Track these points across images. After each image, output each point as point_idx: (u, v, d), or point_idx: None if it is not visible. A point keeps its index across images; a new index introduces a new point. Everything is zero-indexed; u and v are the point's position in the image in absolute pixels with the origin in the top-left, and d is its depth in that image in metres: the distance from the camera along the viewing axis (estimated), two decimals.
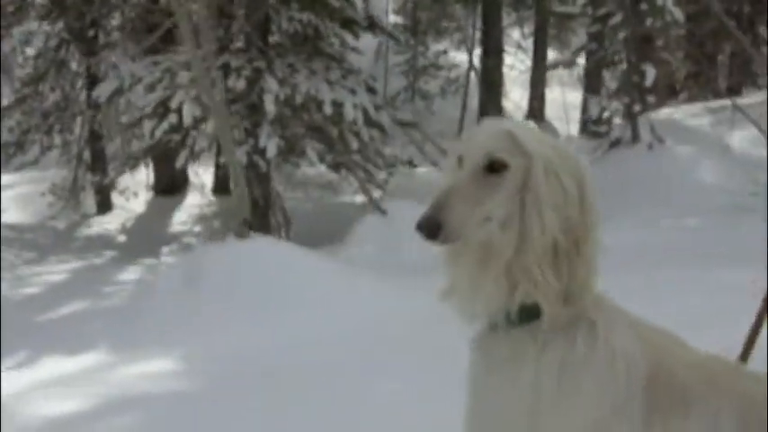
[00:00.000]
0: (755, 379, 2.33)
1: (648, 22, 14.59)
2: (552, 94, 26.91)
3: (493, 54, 21.71)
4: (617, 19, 14.69)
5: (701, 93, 23.28)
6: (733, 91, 23.84)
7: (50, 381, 5.48)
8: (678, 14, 14.70)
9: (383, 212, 11.03)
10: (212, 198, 20.24)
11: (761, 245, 9.92)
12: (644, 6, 14.42)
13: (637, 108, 14.86)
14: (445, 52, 25.55)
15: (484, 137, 2.25)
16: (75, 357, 6.14)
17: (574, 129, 24.80)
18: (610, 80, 23.02)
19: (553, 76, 27.11)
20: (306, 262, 7.40)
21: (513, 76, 27.32)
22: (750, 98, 17.04)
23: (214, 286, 6.75)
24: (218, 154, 17.46)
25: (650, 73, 14.48)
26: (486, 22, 22.31)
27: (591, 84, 22.67)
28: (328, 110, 13.39)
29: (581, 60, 20.80)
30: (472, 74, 23.88)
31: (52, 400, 4.98)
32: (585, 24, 22.70)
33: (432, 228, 2.16)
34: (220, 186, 20.70)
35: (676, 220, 12.43)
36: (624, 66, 15.61)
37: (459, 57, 26.55)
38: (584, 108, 23.05)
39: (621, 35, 14.74)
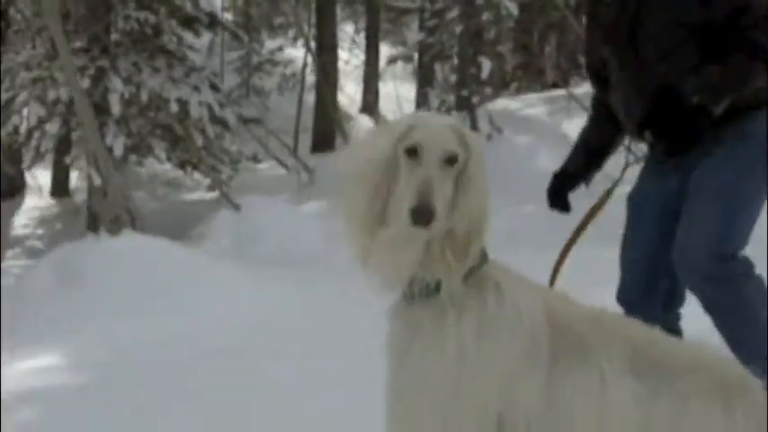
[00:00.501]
0: (636, 324, 2.72)
1: (484, 16, 15.15)
2: (386, 88, 27.34)
3: (328, 50, 22.01)
4: (453, 13, 15.16)
5: (531, 84, 24.05)
6: (561, 82, 24.79)
7: None
8: (513, 8, 15.29)
9: (236, 207, 11.17)
10: (51, 200, 19.96)
11: (602, 224, 10.51)
12: (479, 1, 14.97)
13: (475, 100, 15.36)
14: (281, 49, 25.67)
15: (441, 133, 2.53)
16: None
17: None
18: (443, 73, 23.71)
19: (386, 70, 27.55)
20: (178, 256, 7.52)
21: (347, 70, 27.66)
22: (583, 87, 17.75)
23: (89, 283, 6.81)
24: (58, 155, 17.31)
25: (486, 65, 15.02)
26: (320, 17, 22.61)
27: (425, 77, 23.25)
28: (174, 108, 13.45)
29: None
30: (308, 70, 24.09)
31: None
32: (418, 19, 23.33)
33: (428, 215, 2.38)
34: (59, 188, 20.45)
35: (516, 208, 12.91)
36: (456, 59, 16.17)
37: (295, 53, 26.72)
38: (419, 101, 23.58)
39: (458, 29, 15.18)
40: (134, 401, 4.89)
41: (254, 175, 18.11)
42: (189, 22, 15.09)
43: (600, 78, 4.19)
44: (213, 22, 15.31)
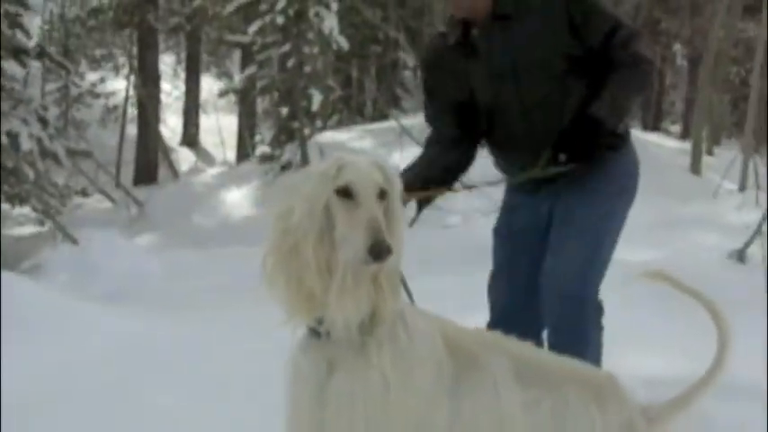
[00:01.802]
0: (514, 340, 2.97)
1: (315, 49, 15.46)
2: (208, 121, 27.35)
3: (149, 81, 21.93)
4: (285, 48, 15.39)
5: (350, 116, 24.49)
6: (382, 114, 25.33)
7: None
8: (343, 42, 15.62)
9: (74, 241, 11.08)
10: None
11: (435, 254, 10.92)
12: (310, 35, 15.25)
13: (306, 131, 15.62)
14: (102, 80, 25.39)
15: (370, 170, 2.61)
16: None
17: (230, 154, 25.29)
18: (264, 105, 23.88)
19: (208, 102, 27.58)
20: (29, 291, 7.44)
21: (168, 102, 27.51)
22: (412, 119, 18.24)
23: None
24: None
25: (316, 98, 15.32)
26: (141, 49, 22.51)
27: (247, 110, 23.36)
28: (4, 140, 13.22)
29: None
30: (129, 102, 23.93)
31: None
32: (241, 52, 23.42)
33: (387, 250, 2.46)
34: None
35: None
36: (277, 93, 16.45)
37: (117, 84, 26.42)
38: (240, 134, 23.68)
39: (289, 62, 15.40)
40: None
41: (81, 209, 17.90)
42: (16, 53, 14.83)
43: (445, 131, 4.16)
44: (42, 52, 15.13)
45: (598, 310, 4.02)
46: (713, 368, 2.99)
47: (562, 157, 3.77)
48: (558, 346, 3.86)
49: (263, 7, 15.68)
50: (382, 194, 2.61)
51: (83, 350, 6.44)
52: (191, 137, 26.82)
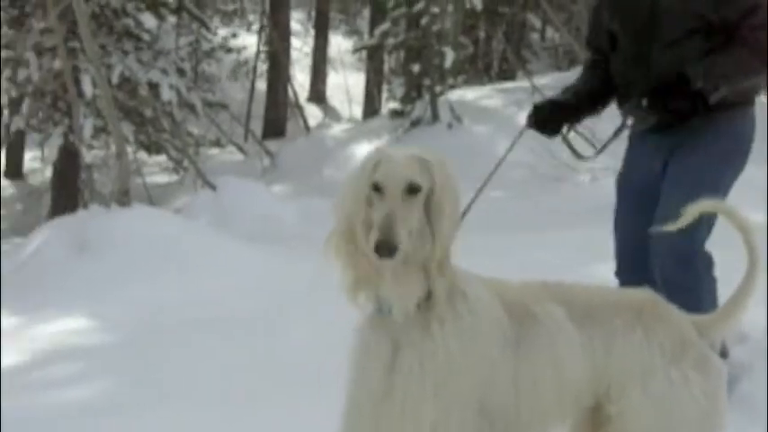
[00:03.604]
0: (563, 286, 3.11)
1: (449, 7, 15.55)
2: (336, 78, 27.62)
3: (280, 37, 22.22)
4: (420, 5, 15.48)
5: (477, 75, 24.51)
6: (507, 74, 25.32)
7: None
8: (477, 1, 15.70)
9: (213, 187, 11.39)
10: (5, 182, 19.95)
11: (567, 208, 11.02)
12: None
13: (438, 89, 15.72)
14: (234, 35, 25.79)
15: (401, 166, 2.72)
16: None
17: (357, 111, 25.53)
18: (389, 64, 24.04)
19: (336, 59, 27.84)
20: (187, 227, 7.84)
21: (298, 58, 27.85)
22: (545, 79, 18.28)
23: (104, 251, 7.01)
24: (8, 137, 17.34)
25: (449, 55, 15.41)
26: (273, 5, 22.81)
27: (375, 67, 23.55)
28: (144, 91, 13.68)
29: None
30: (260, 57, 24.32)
31: None
32: (370, 9, 23.60)
33: (390, 248, 2.60)
34: (12, 170, 20.46)
35: (482, 194, 13.32)
36: (407, 51, 16.58)
37: (248, 39, 26.84)
38: (368, 91, 23.89)
39: (424, 20, 15.50)
40: (163, 357, 5.18)
41: (212, 160, 18.34)
42: (154, 6, 15.24)
43: (600, 50, 4.51)
44: (180, 6, 15.52)
45: (707, 262, 4.20)
46: (749, 273, 3.13)
47: (644, 101, 3.99)
48: (669, 296, 4.02)
49: None
50: (412, 190, 2.70)
51: (229, 281, 6.76)
52: (318, 93, 27.13)
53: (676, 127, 4.20)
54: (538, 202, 12.12)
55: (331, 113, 26.71)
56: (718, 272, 4.22)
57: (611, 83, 4.42)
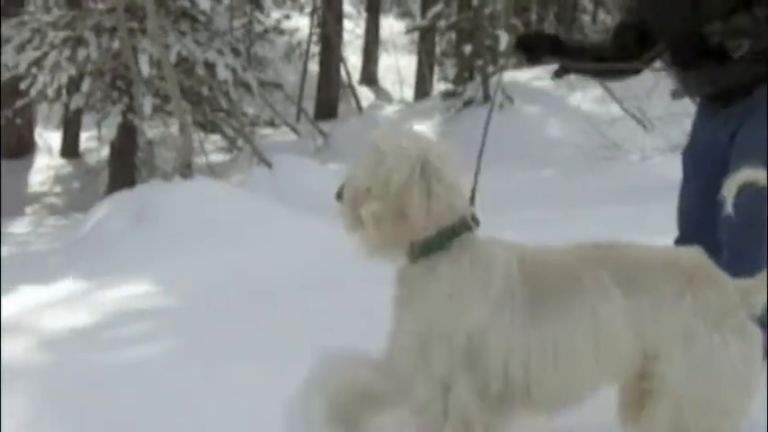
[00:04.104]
0: (606, 246, 3.23)
1: None
2: (387, 60, 27.77)
3: (333, 19, 22.41)
4: None
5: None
6: None
7: (45, 303, 5.95)
8: None
9: (268, 164, 11.63)
10: (61, 161, 20.37)
11: (617, 187, 11.14)
12: None
13: (490, 69, 15.88)
14: (287, 17, 26.03)
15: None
16: (53, 286, 6.59)
17: (408, 93, 25.68)
18: (441, 46, 24.12)
19: (387, 41, 27.98)
20: (245, 199, 8.06)
21: (350, 40, 28.03)
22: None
23: (166, 222, 7.24)
24: (66, 116, 17.68)
25: (503, 38, 15.56)
26: None
27: (426, 49, 23.67)
28: (200, 70, 13.93)
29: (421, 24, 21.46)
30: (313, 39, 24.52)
31: (61, 316, 5.49)
32: None
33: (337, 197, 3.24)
34: (69, 149, 20.86)
35: (531, 172, 13.48)
36: (460, 32, 16.72)
37: (300, 21, 27.06)
38: (420, 72, 24.03)
39: (476, 1, 15.65)
40: (223, 319, 5.38)
41: (266, 140, 18.57)
42: None
43: (631, 12, 4.62)
44: None
45: None
46: None
47: (659, 48, 4.18)
48: (736, 261, 4.11)
49: None
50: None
51: (291, 251, 6.97)
52: (370, 75, 27.33)
53: (739, 97, 4.31)
54: (588, 181, 12.27)
55: (382, 95, 26.89)
56: None
57: (626, 47, 4.52)
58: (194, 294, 6.01)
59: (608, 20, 29.64)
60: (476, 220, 3.16)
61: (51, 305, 5.87)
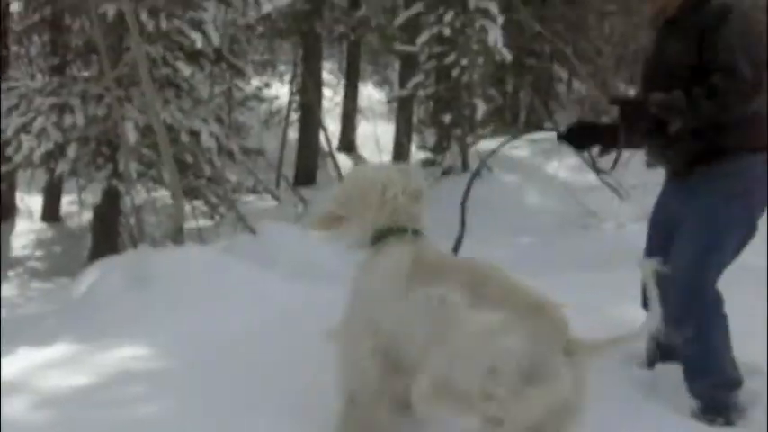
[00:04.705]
0: (487, 266, 3.91)
1: (479, 60, 16.09)
2: (365, 128, 28.06)
3: (312, 87, 22.73)
4: (451, 58, 16.00)
5: (504, 126, 24.94)
6: (535, 125, 25.72)
7: (44, 364, 6.09)
8: (506, 53, 16.18)
9: (253, 232, 11.79)
10: (42, 225, 20.48)
11: (593, 254, 11.37)
12: (475, 47, 15.89)
13: (469, 139, 16.19)
14: (268, 85, 26.35)
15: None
16: (48, 348, 6.72)
17: (386, 159, 25.90)
18: (418, 115, 24.41)
19: (367, 109, 28.30)
20: (234, 264, 8.20)
21: (329, 108, 28.34)
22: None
23: (159, 286, 7.38)
24: (50, 180, 17.80)
25: (480, 107, 15.92)
26: (306, 56, 23.35)
27: (404, 117, 23.92)
28: (185, 138, 14.17)
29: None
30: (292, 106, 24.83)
31: (60, 376, 5.64)
32: (400, 61, 24.08)
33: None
34: (50, 213, 20.98)
35: (511, 239, 13.72)
36: (437, 102, 17.07)
37: (280, 89, 27.36)
38: (398, 140, 24.28)
39: (455, 72, 15.99)
40: (216, 379, 5.56)
41: (246, 206, 18.75)
42: (194, 57, 15.74)
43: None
44: (219, 57, 16.04)
45: (715, 300, 4.52)
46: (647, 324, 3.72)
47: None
48: (677, 330, 4.30)
49: (431, 19, 16.37)
50: None
51: (280, 314, 7.13)
52: (348, 142, 27.59)
53: (686, 174, 4.62)
54: (565, 249, 12.50)
55: (361, 162, 27.14)
56: (728, 309, 4.56)
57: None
58: (191, 356, 6.16)
59: (582, 89, 30.15)
60: (417, 231, 4.06)
61: (50, 366, 6.01)
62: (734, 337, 4.60)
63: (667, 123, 4.40)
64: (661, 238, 4.83)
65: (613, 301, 6.97)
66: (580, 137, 4.85)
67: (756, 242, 4.67)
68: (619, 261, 9.97)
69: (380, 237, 4.04)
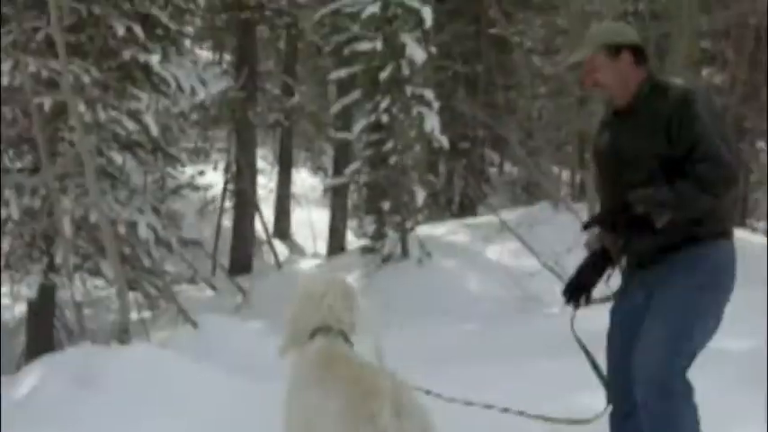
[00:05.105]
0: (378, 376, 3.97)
1: (417, 147, 16.20)
2: (300, 214, 27.99)
3: (246, 175, 22.64)
4: (388, 146, 16.04)
5: (438, 211, 25.07)
6: (467, 209, 25.93)
7: None
8: (444, 141, 16.27)
9: (194, 325, 11.61)
10: None
11: (539, 340, 11.33)
12: (412, 134, 16.01)
13: (408, 225, 16.18)
14: (202, 173, 26.20)
15: None
16: None
17: (321, 246, 25.84)
18: (352, 201, 24.46)
19: (302, 195, 28.27)
20: (179, 363, 8.06)
21: (263, 195, 28.24)
22: (515, 212, 18.87)
23: (104, 389, 7.24)
24: None
25: (420, 193, 15.94)
26: (240, 144, 23.29)
27: (340, 203, 23.91)
28: (122, 229, 13.94)
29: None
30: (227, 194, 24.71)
31: None
32: (333, 147, 24.15)
33: None
34: None
35: (453, 327, 13.61)
36: (372, 188, 17.13)
37: (214, 177, 27.18)
38: (333, 227, 24.22)
39: (393, 159, 16.04)
40: None
41: (182, 296, 18.48)
42: (130, 146, 15.56)
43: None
44: (156, 146, 15.90)
45: (686, 391, 4.44)
46: None
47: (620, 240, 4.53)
48: (650, 424, 4.39)
49: (368, 106, 16.45)
50: None
51: (225, 411, 7.01)
52: (283, 229, 27.47)
53: (655, 262, 4.58)
54: (508, 335, 12.43)
55: (295, 249, 27.01)
56: (698, 398, 4.50)
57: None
58: None
59: (514, 171, 30.50)
60: (344, 335, 4.46)
61: None
62: (706, 424, 4.54)
63: (651, 218, 4.37)
64: (624, 332, 4.77)
65: (567, 390, 6.93)
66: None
67: (725, 326, 4.63)
68: (565, 347, 9.92)
69: (311, 335, 4.41)
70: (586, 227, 4.70)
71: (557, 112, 24.51)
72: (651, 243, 4.51)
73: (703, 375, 4.57)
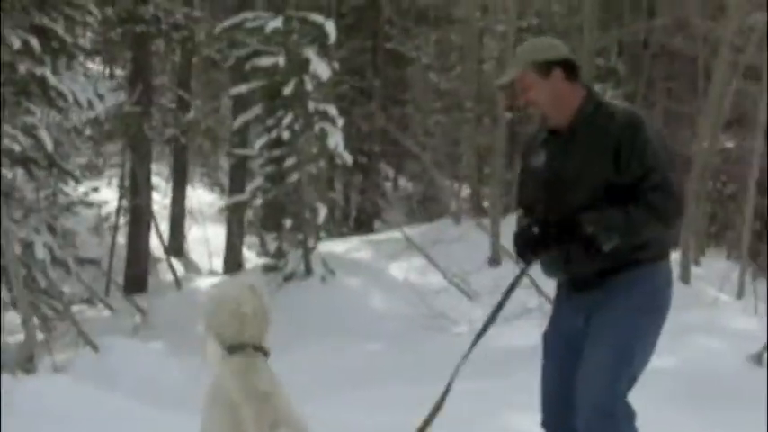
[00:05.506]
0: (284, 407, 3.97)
1: (321, 163, 16.06)
2: (195, 231, 27.60)
3: (141, 192, 22.25)
4: (289, 162, 15.88)
5: (336, 227, 25.01)
6: (363, 225, 25.92)
7: None
8: (347, 157, 16.16)
9: (95, 348, 11.29)
10: None
11: (445, 359, 11.26)
12: (315, 150, 15.85)
13: (311, 242, 16.01)
14: (96, 190, 25.63)
15: None
16: None
17: (217, 263, 25.51)
18: (248, 217, 24.18)
19: (199, 212, 27.87)
20: (82, 392, 7.82)
21: (159, 212, 27.78)
22: (417, 229, 18.85)
23: (13, 419, 6.97)
24: None
25: (322, 211, 15.80)
26: (134, 160, 22.86)
27: (237, 219, 23.62)
28: (18, 249, 13.51)
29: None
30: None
31: None
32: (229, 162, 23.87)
33: None
34: None
35: (359, 346, 13.49)
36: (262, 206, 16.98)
37: (108, 194, 26.64)
38: (229, 244, 23.92)
39: (295, 177, 15.88)
40: None
41: (78, 317, 18.01)
42: (23, 162, 15.11)
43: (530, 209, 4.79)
44: (51, 163, 15.47)
45: (628, 414, 4.43)
46: None
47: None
48: None
49: (270, 122, 16.26)
50: None
51: None
52: (178, 246, 27.02)
53: (593, 286, 4.52)
54: (415, 354, 12.37)
55: (191, 267, 26.60)
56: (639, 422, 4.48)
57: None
58: None
59: (409, 186, 30.58)
60: (262, 349, 4.15)
61: None
62: None
63: (598, 241, 4.30)
64: (561, 357, 4.70)
65: (491, 410, 6.85)
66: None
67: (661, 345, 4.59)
68: (481, 366, 9.88)
69: (230, 352, 4.11)
70: (526, 244, 4.59)
71: (452, 128, 24.64)
72: (592, 266, 4.45)
73: (638, 395, 4.52)
